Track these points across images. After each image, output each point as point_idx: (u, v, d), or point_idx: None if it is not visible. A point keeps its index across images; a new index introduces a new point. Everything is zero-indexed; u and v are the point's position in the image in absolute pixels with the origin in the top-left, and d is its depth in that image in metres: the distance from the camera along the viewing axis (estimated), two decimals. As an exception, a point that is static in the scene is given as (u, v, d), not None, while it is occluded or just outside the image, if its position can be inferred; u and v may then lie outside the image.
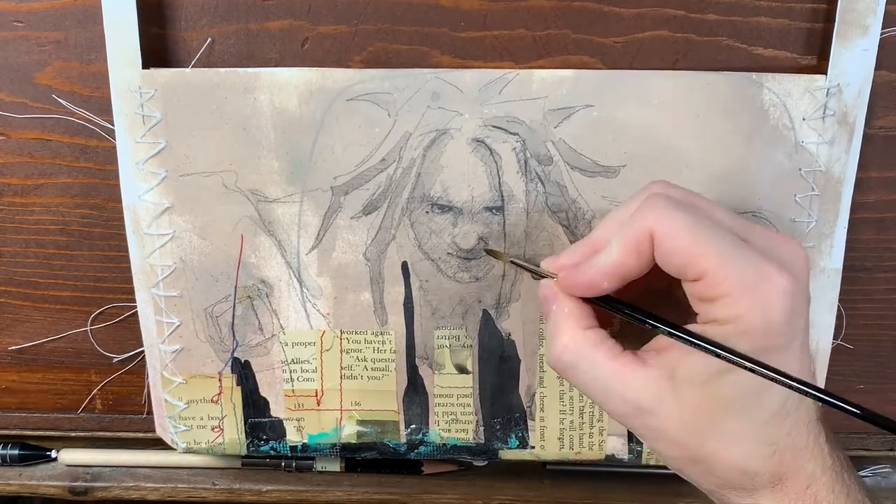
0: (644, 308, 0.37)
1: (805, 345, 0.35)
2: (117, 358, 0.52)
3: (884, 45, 0.43)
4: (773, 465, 0.35)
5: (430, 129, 0.44)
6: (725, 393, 0.34)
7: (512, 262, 0.45)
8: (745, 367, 0.33)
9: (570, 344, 0.37)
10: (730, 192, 0.44)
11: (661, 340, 0.36)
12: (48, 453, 0.56)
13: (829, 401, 0.32)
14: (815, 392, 0.32)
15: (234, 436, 0.51)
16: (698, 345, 0.34)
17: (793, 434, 0.35)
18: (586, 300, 0.38)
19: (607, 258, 0.35)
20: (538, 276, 0.41)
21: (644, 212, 0.34)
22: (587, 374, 0.36)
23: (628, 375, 0.35)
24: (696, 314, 0.35)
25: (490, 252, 0.46)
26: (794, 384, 0.32)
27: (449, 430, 0.50)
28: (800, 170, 0.44)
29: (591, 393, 0.37)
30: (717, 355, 0.33)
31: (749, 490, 0.36)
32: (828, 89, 0.43)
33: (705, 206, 0.36)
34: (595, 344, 0.36)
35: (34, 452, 0.56)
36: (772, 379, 0.32)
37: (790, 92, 0.43)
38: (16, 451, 0.55)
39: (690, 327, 0.35)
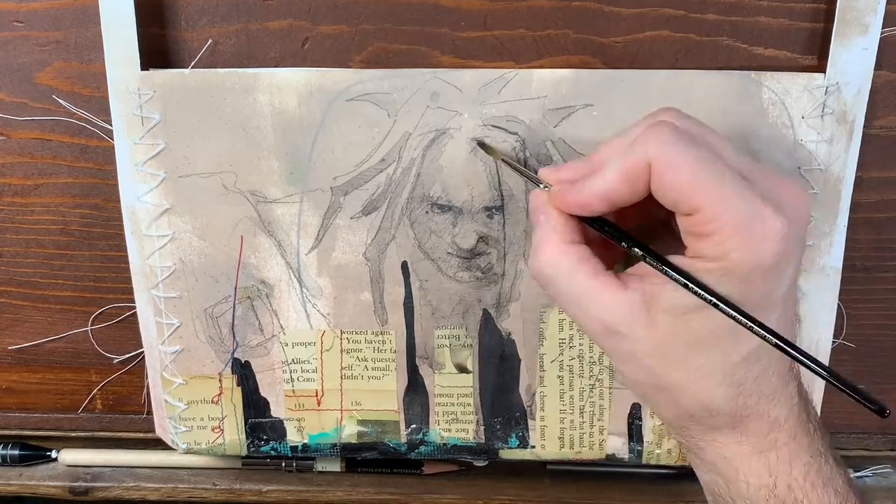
0: (637, 233, 0.37)
1: (790, 295, 0.35)
2: (117, 358, 0.52)
3: (884, 45, 0.43)
4: (735, 406, 0.35)
5: (429, 129, 0.44)
6: (699, 328, 0.34)
7: (504, 161, 0.43)
8: (718, 308, 0.32)
9: (552, 258, 0.36)
10: (730, 191, 0.44)
11: (644, 266, 0.35)
12: (48, 453, 0.56)
13: (795, 355, 0.32)
14: (783, 344, 0.32)
15: (234, 436, 0.51)
16: (675, 278, 0.33)
17: (761, 379, 0.35)
18: (576, 217, 0.37)
19: (601, 182, 0.34)
20: (531, 181, 0.39)
21: (645, 140, 0.33)
22: (566, 289, 0.36)
23: (606, 296, 0.35)
24: (685, 247, 0.34)
25: (483, 146, 0.44)
26: (765, 333, 0.32)
27: (449, 430, 0.50)
28: (799, 168, 0.44)
29: (567, 308, 0.37)
30: (693, 292, 0.33)
31: (708, 427, 0.36)
32: (826, 88, 0.43)
33: (712, 139, 0.35)
34: (578, 260, 0.36)
35: (34, 452, 0.56)
36: (742, 324, 0.32)
37: (789, 90, 0.43)
38: (16, 452, 0.55)
39: (675, 259, 0.34)
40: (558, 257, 0.36)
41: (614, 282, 0.35)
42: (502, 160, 0.43)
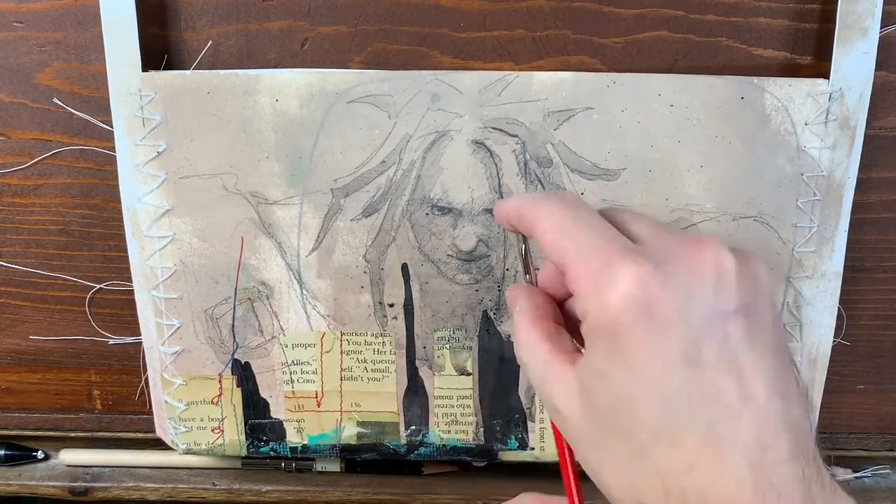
0: None
1: (689, 350, 0.27)
2: (117, 359, 0.52)
3: (883, 45, 0.43)
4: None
5: (429, 130, 0.44)
6: (604, 401, 0.29)
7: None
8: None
9: (522, 340, 0.33)
10: (731, 196, 0.44)
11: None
12: (34, 454, 0.55)
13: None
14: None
15: (234, 437, 0.51)
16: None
17: (697, 472, 0.26)
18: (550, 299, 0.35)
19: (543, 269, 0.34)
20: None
21: (536, 213, 0.32)
22: (532, 371, 0.33)
23: (554, 376, 0.31)
24: None
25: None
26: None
27: (449, 432, 0.50)
28: (802, 175, 0.44)
29: (535, 387, 0.34)
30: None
31: None
32: (830, 94, 0.43)
33: (611, 212, 0.32)
34: (540, 339, 0.32)
35: (21, 453, 0.55)
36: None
37: (792, 96, 0.43)
38: (1, 452, 0.55)
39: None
40: (526, 339, 0.33)
41: (564, 361, 0.31)
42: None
